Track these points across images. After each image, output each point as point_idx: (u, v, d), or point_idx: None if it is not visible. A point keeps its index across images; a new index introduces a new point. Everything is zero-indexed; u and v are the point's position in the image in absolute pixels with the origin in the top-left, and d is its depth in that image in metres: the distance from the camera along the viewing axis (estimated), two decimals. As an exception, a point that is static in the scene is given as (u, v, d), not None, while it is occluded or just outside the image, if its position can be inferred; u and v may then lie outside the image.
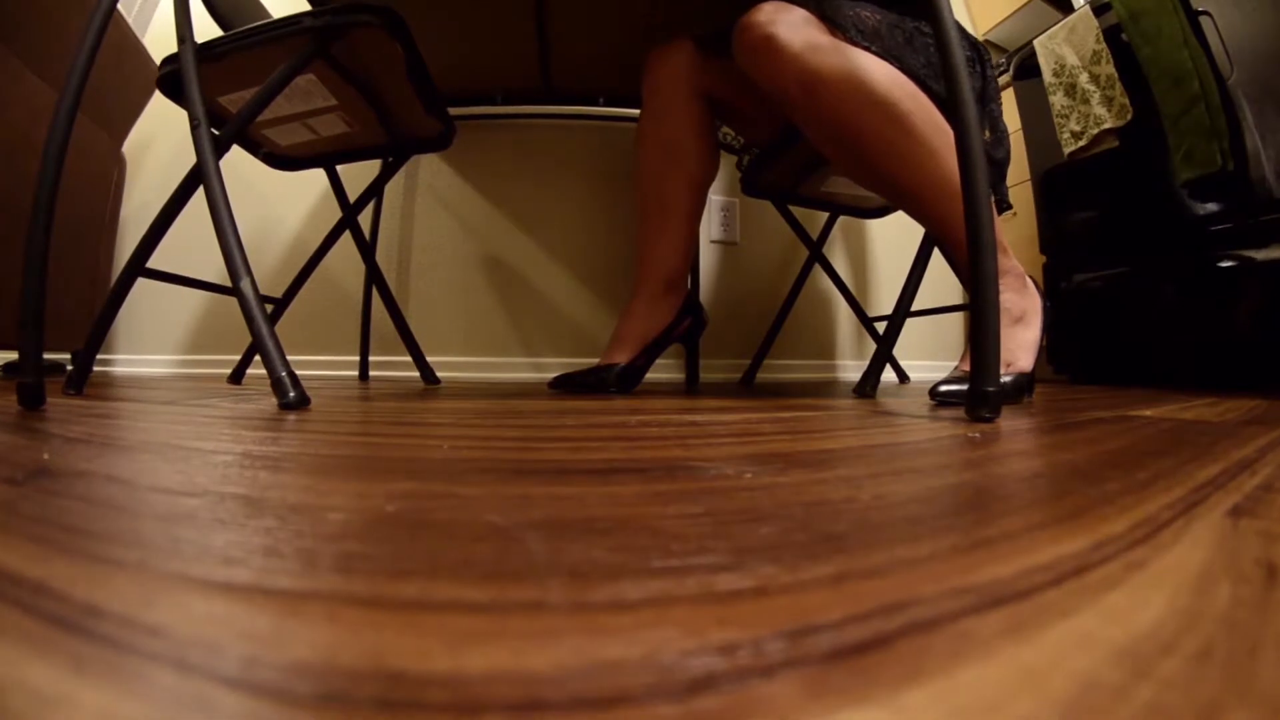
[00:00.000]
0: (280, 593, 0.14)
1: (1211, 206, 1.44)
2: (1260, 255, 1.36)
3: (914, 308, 1.27)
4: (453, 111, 1.20)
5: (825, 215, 1.69)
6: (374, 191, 1.26)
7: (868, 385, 1.09)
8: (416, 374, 1.30)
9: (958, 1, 2.71)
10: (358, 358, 1.46)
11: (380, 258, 1.48)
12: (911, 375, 1.87)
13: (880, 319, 1.63)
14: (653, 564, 0.16)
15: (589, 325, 1.68)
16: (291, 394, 0.58)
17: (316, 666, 0.10)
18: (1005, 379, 0.74)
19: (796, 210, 1.60)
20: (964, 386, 0.63)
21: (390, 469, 0.29)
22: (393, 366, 1.52)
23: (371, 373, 1.49)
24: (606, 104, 1.67)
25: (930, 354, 2.01)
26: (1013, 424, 0.57)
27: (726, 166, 1.83)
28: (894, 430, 0.50)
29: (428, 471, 0.28)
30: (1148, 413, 0.74)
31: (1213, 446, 0.45)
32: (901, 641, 0.12)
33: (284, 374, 0.59)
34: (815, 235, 1.65)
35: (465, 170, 1.65)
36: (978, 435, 0.48)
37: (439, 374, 1.36)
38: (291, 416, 0.52)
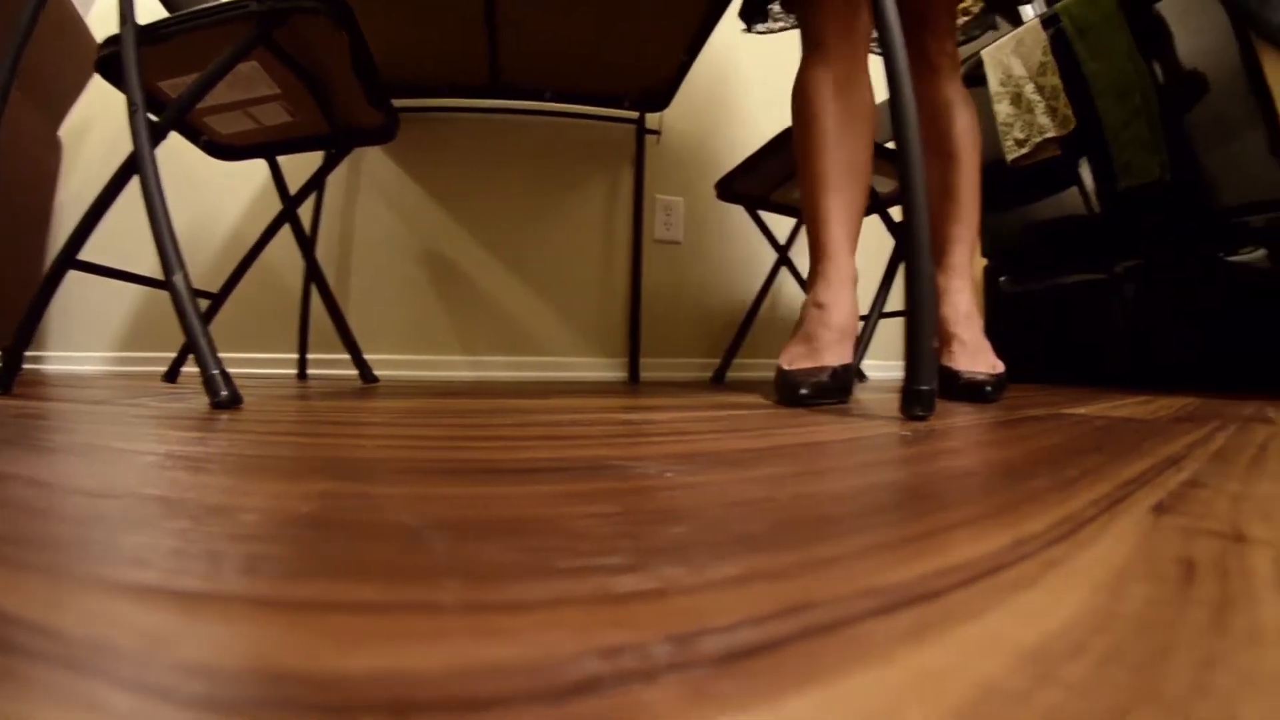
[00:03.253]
0: (184, 594, 0.14)
1: (1149, 215, 1.50)
2: (1195, 261, 1.42)
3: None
4: (397, 104, 1.19)
5: (793, 221, 1.76)
6: (315, 184, 1.22)
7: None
8: (356, 372, 1.29)
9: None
10: (297, 355, 1.43)
11: (320, 252, 1.44)
12: (872, 375, 1.93)
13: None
14: (556, 565, 0.16)
15: (530, 323, 1.67)
16: (223, 393, 0.57)
17: (206, 667, 0.10)
18: (998, 376, 0.91)
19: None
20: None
21: (313, 469, 0.29)
22: (332, 365, 1.46)
23: (311, 371, 1.45)
24: (553, 99, 1.65)
25: (888, 354, 2.09)
26: (946, 422, 0.58)
27: (678, 170, 1.84)
28: (828, 428, 0.51)
29: (350, 472, 0.28)
30: (1082, 411, 0.75)
31: (1142, 443, 0.46)
32: (795, 645, 0.12)
33: (216, 372, 0.58)
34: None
35: (409, 164, 1.62)
36: (909, 434, 0.48)
37: (379, 372, 1.33)
38: (223, 416, 0.51)
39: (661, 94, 1.67)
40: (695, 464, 0.31)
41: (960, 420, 0.61)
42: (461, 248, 1.63)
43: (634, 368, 1.70)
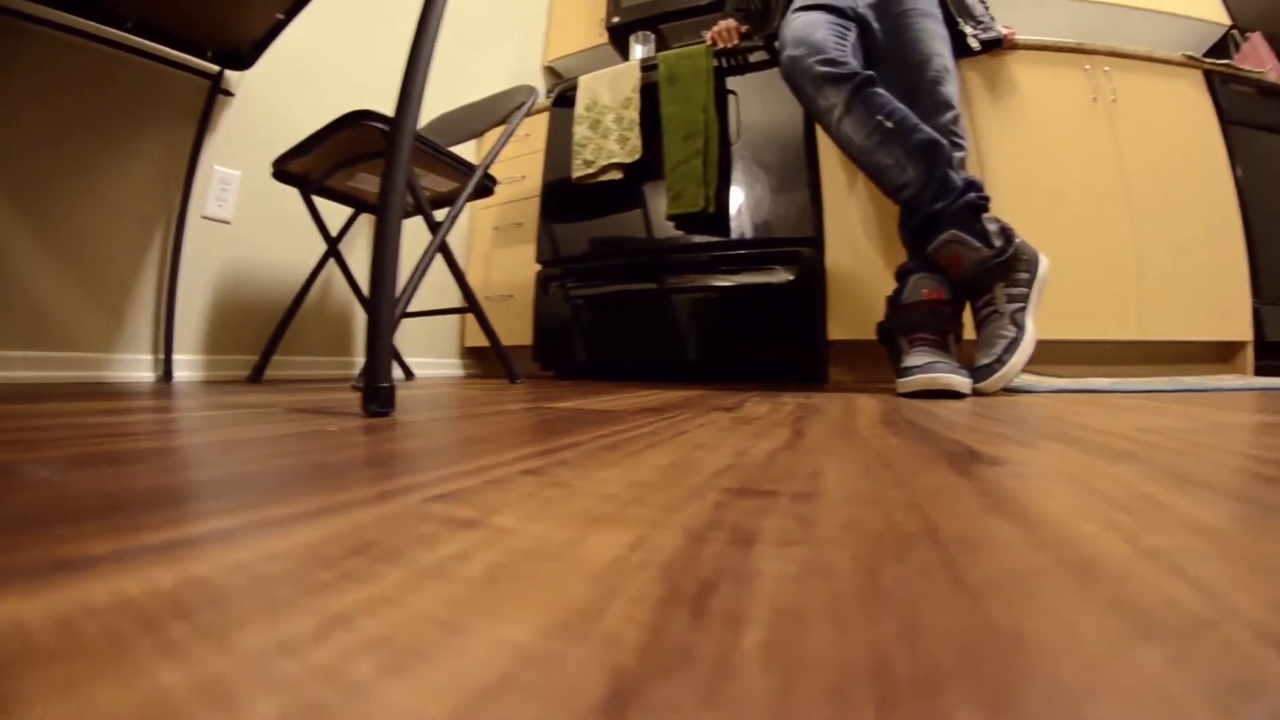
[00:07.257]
0: None
1: (691, 238, 1.87)
2: (723, 281, 1.81)
3: (415, 309, 1.43)
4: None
5: (349, 211, 1.75)
6: None
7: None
8: None
9: (538, 29, 2.95)
10: None
11: None
12: (423, 373, 2.07)
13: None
14: None
15: (58, 310, 1.31)
16: None
17: None
18: None
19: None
20: None
21: None
22: None
23: None
24: (134, 31, 1.39)
25: (430, 351, 2.23)
26: (407, 417, 0.61)
27: (248, 140, 1.69)
28: (275, 425, 0.53)
29: None
30: (564, 405, 0.80)
31: (554, 434, 0.47)
32: None
33: None
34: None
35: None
36: (335, 429, 0.50)
37: None
38: None
39: (248, 52, 1.53)
40: (79, 464, 0.34)
41: (419, 416, 0.64)
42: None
43: (168, 366, 1.50)
